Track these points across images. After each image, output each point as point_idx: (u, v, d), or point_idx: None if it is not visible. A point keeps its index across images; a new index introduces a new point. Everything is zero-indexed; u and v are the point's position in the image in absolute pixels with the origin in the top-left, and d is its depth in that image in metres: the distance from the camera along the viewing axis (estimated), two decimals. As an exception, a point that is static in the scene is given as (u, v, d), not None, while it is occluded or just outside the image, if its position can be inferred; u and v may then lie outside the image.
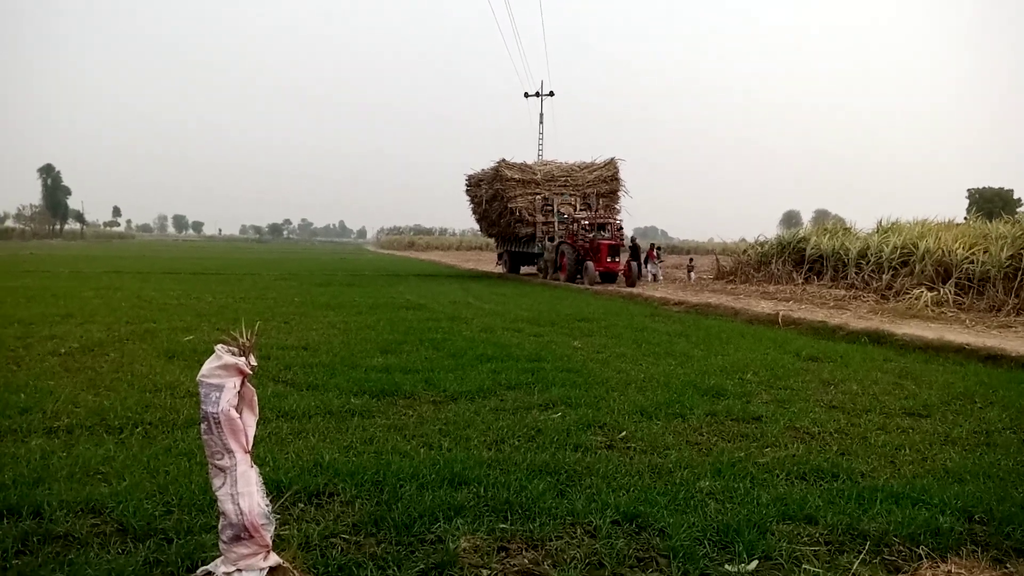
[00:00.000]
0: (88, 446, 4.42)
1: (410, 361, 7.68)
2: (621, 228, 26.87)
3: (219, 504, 2.66)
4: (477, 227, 37.06)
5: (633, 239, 26.06)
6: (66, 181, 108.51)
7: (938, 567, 3.06)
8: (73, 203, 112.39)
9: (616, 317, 13.04)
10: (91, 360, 7.34)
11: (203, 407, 2.58)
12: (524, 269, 32.10)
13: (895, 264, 17.87)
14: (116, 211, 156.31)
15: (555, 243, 26.98)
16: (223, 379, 2.57)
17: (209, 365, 2.58)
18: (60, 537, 3.16)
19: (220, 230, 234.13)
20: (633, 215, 39.67)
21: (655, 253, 26.69)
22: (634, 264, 23.52)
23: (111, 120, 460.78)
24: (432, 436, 4.89)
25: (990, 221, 19.19)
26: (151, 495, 3.59)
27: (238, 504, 2.63)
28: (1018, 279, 14.17)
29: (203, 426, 2.60)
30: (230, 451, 2.61)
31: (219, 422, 2.56)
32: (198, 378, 2.58)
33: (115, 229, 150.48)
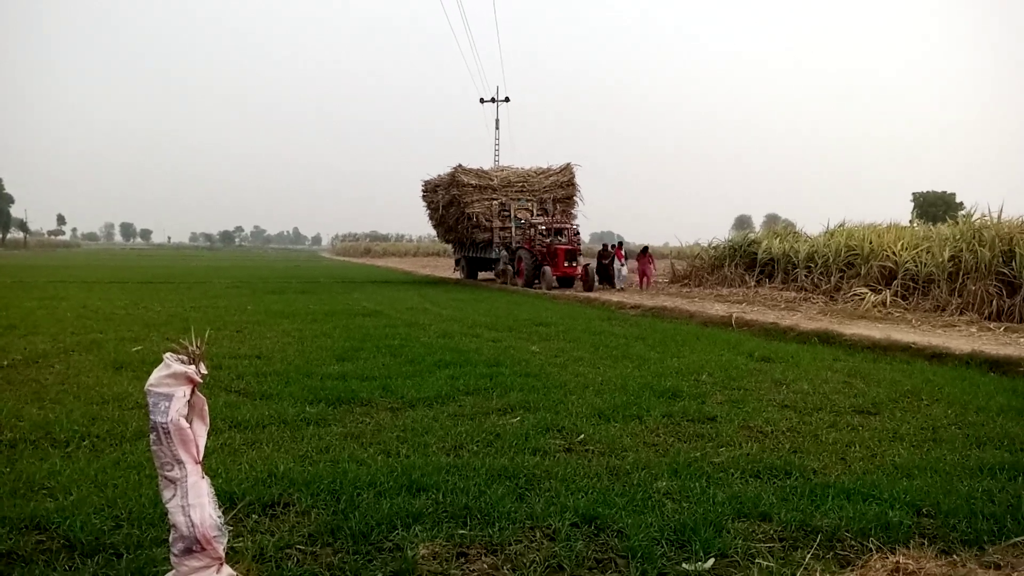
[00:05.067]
0: (32, 461, 4.28)
1: (367, 368, 7.61)
2: (578, 233, 27.02)
3: (170, 516, 2.60)
4: (434, 233, 36.89)
5: (605, 245, 26.06)
6: (8, 188, 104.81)
7: (887, 559, 3.13)
8: (16, 211, 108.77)
9: (573, 321, 13.11)
10: (35, 372, 7.12)
11: (152, 417, 2.51)
12: (482, 274, 32.08)
13: (842, 266, 18.29)
14: (61, 219, 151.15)
15: (509, 249, 27.02)
16: (172, 388, 2.51)
17: (158, 374, 2.52)
18: (3, 555, 3.06)
19: (169, 238, 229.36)
20: (590, 219, 40.14)
21: (622, 253, 23.93)
22: (590, 267, 23.59)
23: (56, 126, 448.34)
24: (390, 443, 4.85)
25: (934, 224, 19.79)
26: (99, 509, 3.49)
27: (189, 516, 2.57)
28: (960, 280, 14.63)
29: (152, 437, 2.54)
30: (180, 462, 2.55)
31: (169, 432, 2.50)
32: (146, 387, 2.51)
33: (60, 238, 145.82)
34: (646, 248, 24.81)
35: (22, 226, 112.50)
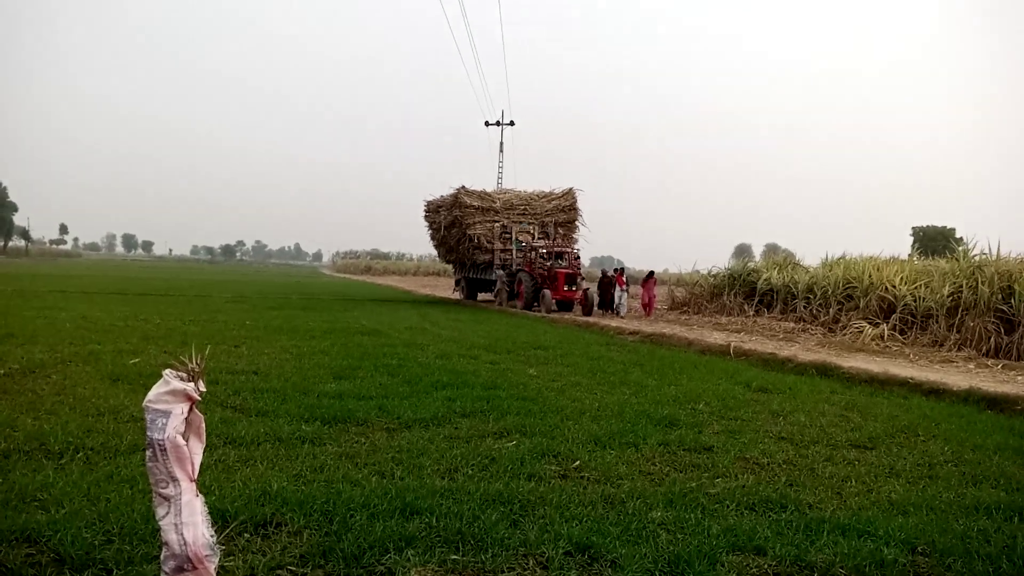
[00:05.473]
0: (25, 472, 4.26)
1: (364, 387, 7.60)
2: (578, 257, 27.10)
3: (162, 534, 2.59)
4: (435, 252, 37.02)
5: (604, 272, 26.11)
6: (11, 197, 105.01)
7: (882, 598, 3.12)
8: (19, 219, 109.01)
9: (572, 345, 13.10)
10: (31, 382, 7.10)
11: (149, 433, 2.51)
12: (481, 296, 32.14)
13: (841, 298, 18.32)
14: (63, 228, 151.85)
15: (509, 271, 27.09)
16: (170, 405, 2.51)
17: (156, 390, 2.52)
18: (-9, 568, 3.03)
19: (171, 250, 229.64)
20: (591, 243, 40.35)
21: (623, 279, 23.09)
22: (589, 291, 23.60)
23: (61, 134, 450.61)
24: (385, 464, 4.83)
25: (933, 258, 19.86)
26: (91, 523, 3.47)
27: (182, 534, 2.56)
28: (959, 315, 14.65)
29: (148, 453, 2.54)
30: (175, 479, 2.54)
31: (165, 449, 2.50)
32: (144, 403, 2.52)
33: (61, 247, 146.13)
34: (651, 273, 24.41)
35: (24, 234, 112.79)
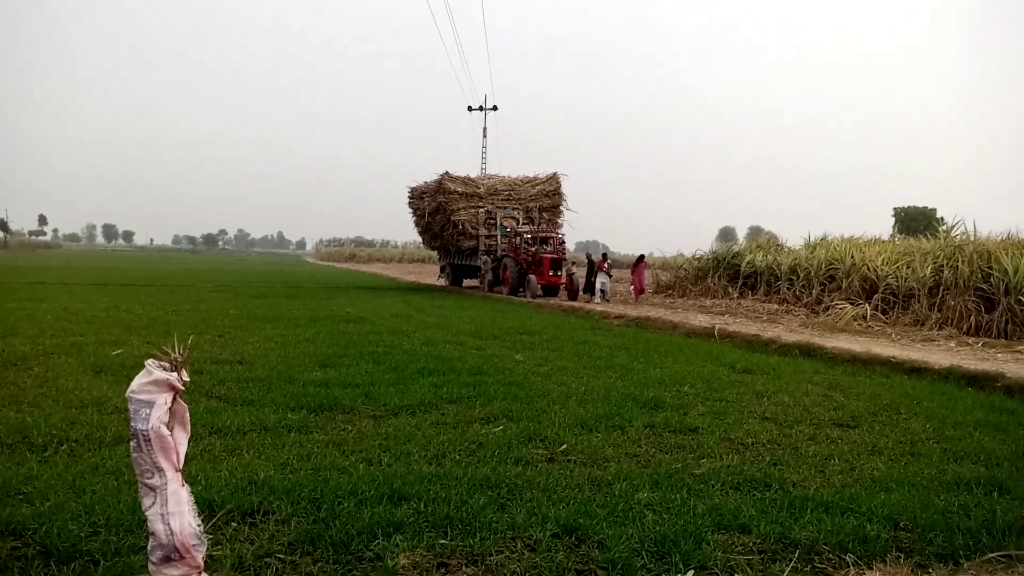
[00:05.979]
0: (9, 465, 4.23)
1: (350, 375, 7.58)
2: (563, 242, 27.10)
3: (149, 524, 2.58)
4: (419, 239, 36.91)
5: (589, 256, 26.13)
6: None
7: (864, 574, 3.17)
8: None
9: (558, 330, 13.13)
10: (13, 375, 7.03)
11: (133, 424, 2.50)
12: (467, 282, 32.10)
13: (823, 279, 18.46)
14: (42, 219, 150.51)
15: (494, 257, 27.08)
16: (153, 395, 2.49)
17: (139, 380, 2.51)
18: (-24, 562, 3.02)
19: (152, 240, 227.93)
20: (576, 228, 40.37)
21: (605, 265, 22.30)
22: (574, 276, 23.64)
23: (38, 123, 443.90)
24: (372, 451, 4.83)
25: (914, 238, 20.04)
26: (76, 516, 3.45)
27: (168, 524, 2.55)
28: (940, 294, 14.81)
29: (132, 444, 2.52)
30: (160, 470, 2.53)
31: (149, 440, 2.49)
32: (127, 394, 2.50)
33: (41, 238, 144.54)
34: (641, 257, 23.98)
35: (3, 226, 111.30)
